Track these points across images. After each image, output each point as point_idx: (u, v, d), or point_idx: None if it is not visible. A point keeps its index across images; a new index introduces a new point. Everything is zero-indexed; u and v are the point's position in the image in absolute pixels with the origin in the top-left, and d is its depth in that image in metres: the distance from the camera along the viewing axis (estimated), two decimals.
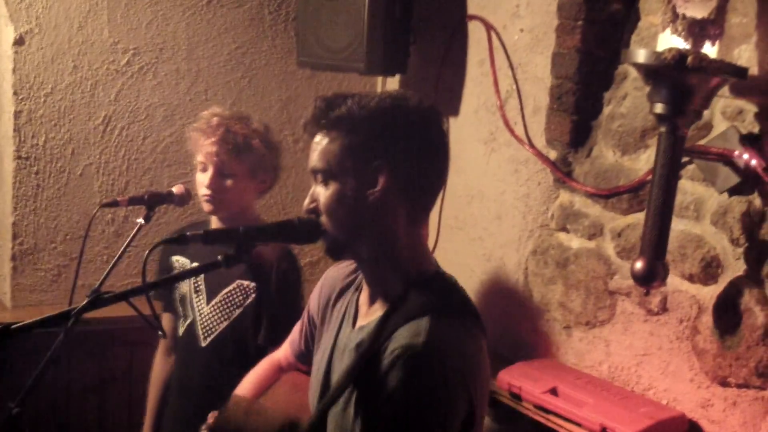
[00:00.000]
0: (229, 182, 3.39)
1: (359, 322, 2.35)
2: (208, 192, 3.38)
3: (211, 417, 2.66)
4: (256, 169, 3.43)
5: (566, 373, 3.64)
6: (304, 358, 2.71)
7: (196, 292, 3.49)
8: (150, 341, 3.89)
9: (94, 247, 4.47)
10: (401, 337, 2.12)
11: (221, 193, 3.38)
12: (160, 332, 2.53)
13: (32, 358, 3.50)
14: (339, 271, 2.58)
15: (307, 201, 2.29)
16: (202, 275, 3.48)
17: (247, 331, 3.42)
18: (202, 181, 3.40)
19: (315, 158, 2.24)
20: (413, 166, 2.22)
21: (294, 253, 3.53)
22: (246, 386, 2.80)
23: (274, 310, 3.39)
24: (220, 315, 3.43)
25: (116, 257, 3.28)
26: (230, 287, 3.43)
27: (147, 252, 2.21)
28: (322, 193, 2.24)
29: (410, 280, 2.24)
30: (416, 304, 2.19)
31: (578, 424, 3.30)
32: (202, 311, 3.47)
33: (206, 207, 3.42)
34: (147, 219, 3.44)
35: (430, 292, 2.23)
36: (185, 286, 3.54)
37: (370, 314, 2.31)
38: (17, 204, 4.32)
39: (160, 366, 3.82)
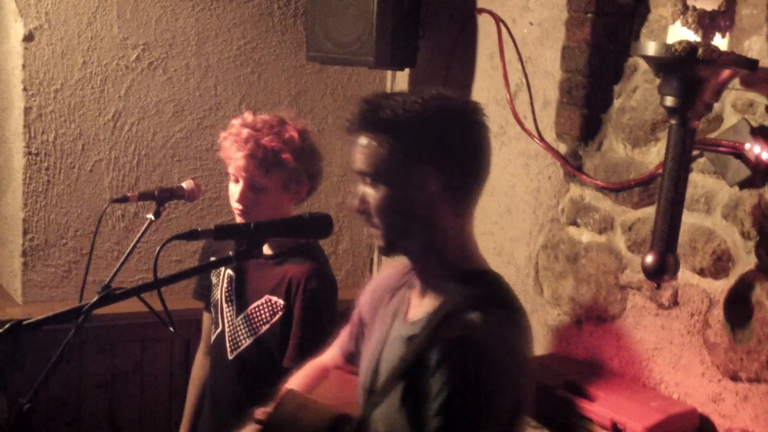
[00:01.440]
0: (260, 196, 3.30)
1: (410, 316, 2.37)
2: (239, 206, 3.31)
3: (260, 413, 2.65)
4: (288, 182, 3.33)
5: (577, 368, 3.63)
6: (353, 358, 2.69)
7: (228, 302, 3.44)
8: (161, 337, 3.90)
9: (104, 242, 4.47)
10: (450, 334, 2.14)
11: (253, 206, 3.29)
12: (171, 328, 2.52)
13: (43, 354, 3.51)
14: (393, 270, 2.60)
15: (356, 202, 2.29)
16: (234, 285, 3.44)
17: (273, 349, 3.33)
18: (234, 193, 3.33)
19: (362, 161, 2.26)
20: (460, 166, 2.25)
21: (327, 273, 3.42)
22: (292, 385, 2.80)
23: (299, 331, 3.29)
24: (247, 329, 3.38)
25: (126, 253, 3.28)
26: (259, 302, 3.36)
27: (158, 248, 2.21)
28: (371, 194, 2.26)
29: (459, 276, 2.28)
30: (466, 299, 2.21)
31: (589, 419, 3.29)
32: (231, 322, 3.40)
33: (239, 220, 3.35)
34: (157, 215, 3.43)
35: (478, 287, 2.26)
36: (218, 293, 3.49)
37: (421, 308, 2.33)
38: (27, 200, 4.32)
39: (199, 365, 3.78)
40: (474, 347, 2.11)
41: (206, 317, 3.69)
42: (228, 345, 3.43)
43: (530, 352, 2.31)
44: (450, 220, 2.27)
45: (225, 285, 3.46)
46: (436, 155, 2.21)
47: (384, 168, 2.22)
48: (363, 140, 2.25)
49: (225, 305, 3.45)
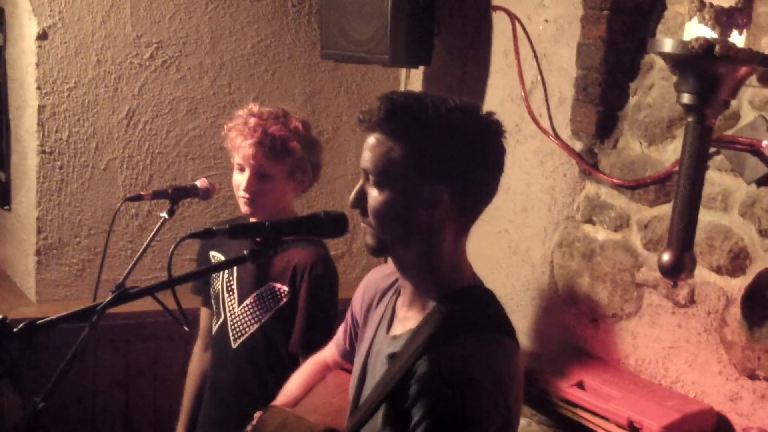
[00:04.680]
0: (267, 184, 3.33)
1: (393, 329, 2.32)
2: (246, 195, 3.34)
3: (250, 427, 2.66)
4: (294, 170, 3.37)
5: (593, 367, 3.62)
6: (349, 356, 2.67)
7: (228, 291, 3.46)
8: (175, 336, 3.90)
9: (118, 241, 4.48)
10: (432, 361, 2.09)
11: (259, 195, 3.33)
12: (185, 327, 2.51)
13: (57, 353, 3.50)
14: (381, 271, 2.55)
15: (353, 196, 2.22)
16: (235, 275, 3.46)
17: (277, 335, 3.37)
18: (240, 182, 3.35)
19: (369, 159, 2.16)
20: (471, 187, 2.17)
21: (330, 259, 3.46)
22: (291, 386, 2.79)
23: (305, 316, 3.33)
24: (250, 317, 3.40)
25: (140, 251, 3.28)
26: (262, 289, 3.39)
27: (173, 246, 2.20)
28: (372, 195, 2.17)
29: (448, 294, 2.21)
30: (450, 322, 2.15)
31: (605, 418, 3.28)
32: (233, 311, 3.44)
33: (244, 209, 3.37)
34: (171, 213, 3.43)
35: (464, 307, 2.19)
36: (218, 284, 3.51)
37: (405, 322, 2.28)
38: (41, 199, 4.33)
39: (197, 360, 3.80)
40: (453, 379, 2.05)
41: (204, 312, 3.71)
42: (231, 334, 3.46)
43: (517, 373, 2.22)
44: (449, 237, 2.20)
45: (225, 275, 3.48)
46: (449, 174, 2.13)
47: (392, 173, 2.13)
48: (374, 139, 2.16)
49: (226, 295, 3.48)
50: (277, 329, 3.37)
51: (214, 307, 3.55)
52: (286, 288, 3.36)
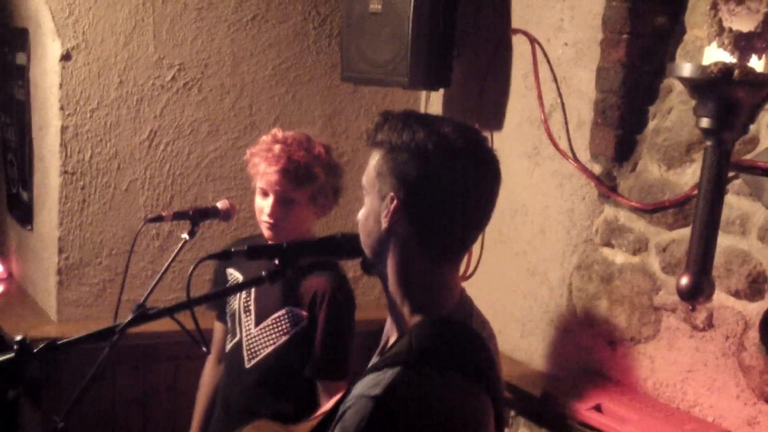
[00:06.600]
0: (290, 209, 3.36)
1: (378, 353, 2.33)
2: (269, 220, 3.36)
3: None
4: (316, 195, 3.41)
5: (610, 390, 3.62)
6: None
7: (246, 311, 3.47)
8: (194, 356, 3.89)
9: (138, 261, 4.49)
10: (361, 386, 2.04)
11: (282, 220, 3.36)
12: (204, 348, 2.53)
13: (78, 372, 3.53)
14: None
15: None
16: (253, 295, 3.47)
17: (292, 359, 3.38)
18: (262, 207, 3.38)
19: (364, 173, 2.22)
20: (433, 210, 2.12)
21: (349, 287, 3.48)
22: None
23: (322, 343, 3.34)
24: (266, 339, 3.41)
25: (161, 272, 3.29)
26: (280, 312, 3.40)
27: (192, 267, 2.21)
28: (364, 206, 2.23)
29: (413, 323, 2.15)
30: (398, 350, 2.09)
31: None
32: (249, 332, 3.45)
33: (267, 234, 3.39)
34: (191, 234, 3.44)
35: (421, 339, 2.11)
36: (235, 303, 3.52)
37: (385, 347, 2.29)
38: (63, 219, 4.35)
39: (209, 373, 3.82)
40: (373, 406, 1.96)
41: (218, 326, 3.73)
42: (245, 354, 3.47)
43: (465, 416, 2.08)
44: (417, 262, 2.15)
45: (243, 295, 3.50)
46: (404, 188, 2.10)
47: (368, 183, 2.18)
48: (372, 153, 2.20)
49: (243, 315, 3.49)
50: (292, 353, 3.38)
51: (229, 324, 3.56)
52: (304, 313, 3.37)
